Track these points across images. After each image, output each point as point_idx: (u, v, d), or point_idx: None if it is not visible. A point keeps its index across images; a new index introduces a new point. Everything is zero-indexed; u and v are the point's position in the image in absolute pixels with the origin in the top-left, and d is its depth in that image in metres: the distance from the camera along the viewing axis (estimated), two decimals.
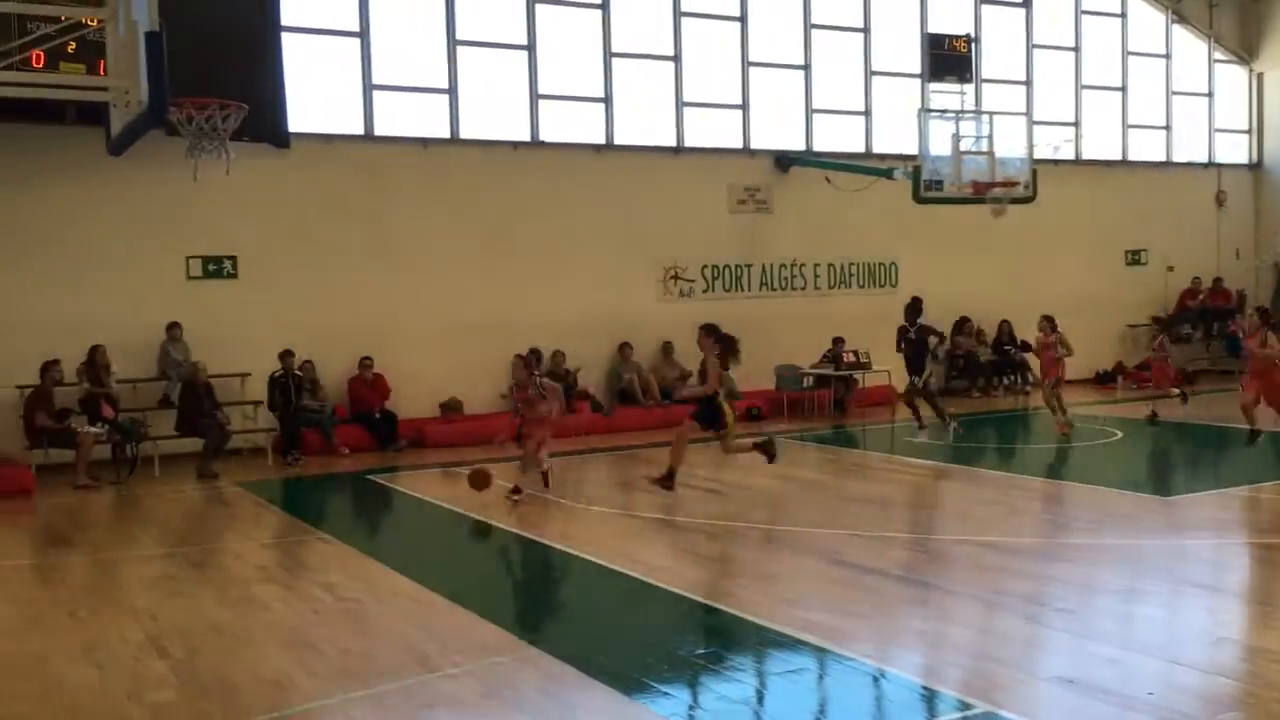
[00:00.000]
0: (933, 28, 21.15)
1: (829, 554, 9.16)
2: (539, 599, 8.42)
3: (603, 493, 12.61)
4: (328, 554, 9.72)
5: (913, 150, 18.96)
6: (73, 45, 10.94)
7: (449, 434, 16.26)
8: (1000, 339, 21.38)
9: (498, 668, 6.54)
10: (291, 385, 14.99)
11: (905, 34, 21.17)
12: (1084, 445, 14.91)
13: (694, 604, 7.85)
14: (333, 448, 15.40)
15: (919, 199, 18.64)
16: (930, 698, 6.07)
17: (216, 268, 15.88)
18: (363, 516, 12.79)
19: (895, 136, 20.59)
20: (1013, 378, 21.32)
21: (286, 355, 15.05)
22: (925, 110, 19.36)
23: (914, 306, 15.82)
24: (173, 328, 15.17)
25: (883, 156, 20.46)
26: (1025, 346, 20.65)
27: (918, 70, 21.10)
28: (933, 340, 15.73)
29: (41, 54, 10.51)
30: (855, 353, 19.15)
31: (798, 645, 6.84)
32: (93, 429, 13.66)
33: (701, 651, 6.79)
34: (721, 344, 11.83)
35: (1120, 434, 15.84)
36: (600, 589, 8.51)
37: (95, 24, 8.37)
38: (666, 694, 6.15)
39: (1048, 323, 16.16)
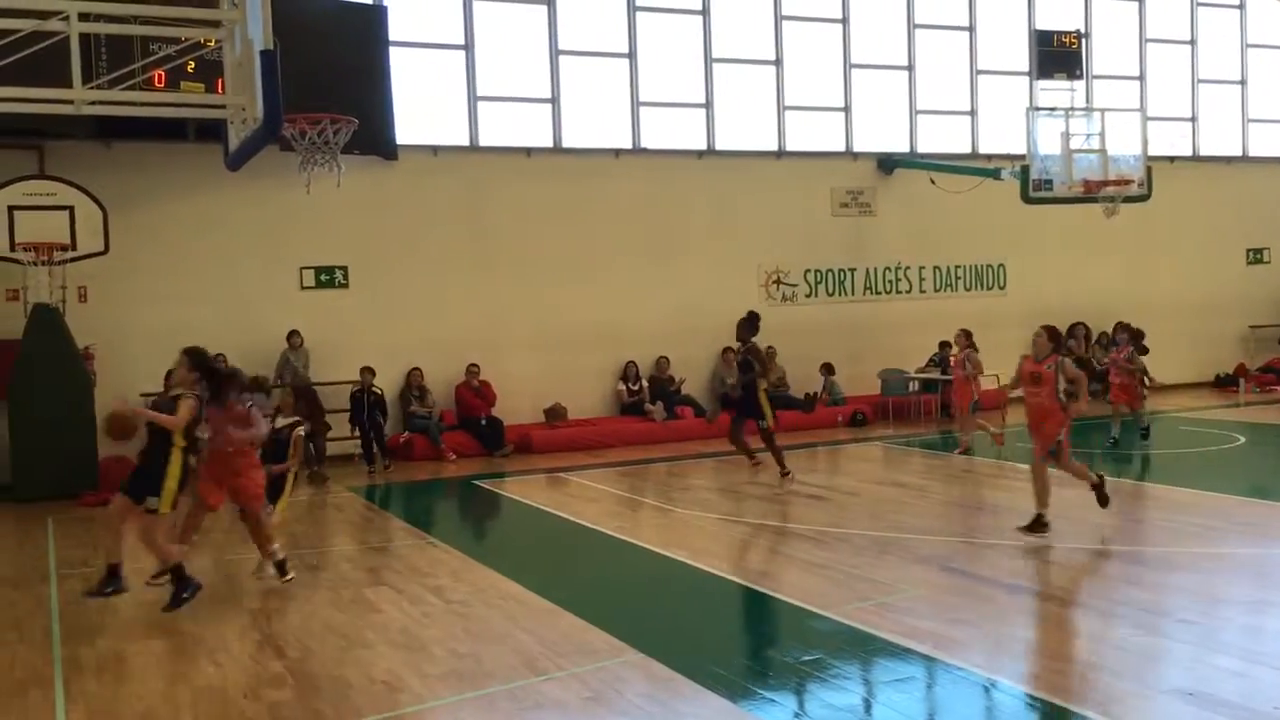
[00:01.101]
0: (1040, 24, 20.69)
1: (937, 561, 9.00)
2: (644, 604, 8.44)
3: (707, 498, 12.58)
4: (437, 558, 9.88)
5: (1021, 149, 18.58)
6: (192, 65, 11.38)
7: (554, 440, 16.42)
8: (1114, 341, 20.76)
9: (603, 672, 6.58)
10: (366, 401, 15.25)
11: (1012, 31, 20.75)
12: (1206, 451, 14.40)
13: (799, 610, 7.78)
14: (440, 453, 15.66)
15: (1028, 199, 18.25)
16: (1043, 710, 5.92)
17: (328, 277, 16.30)
18: (470, 521, 12.98)
19: (1002, 136, 20.21)
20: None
21: (366, 372, 15.35)
22: (1034, 108, 18.94)
23: (748, 323, 12.62)
24: (292, 335, 15.60)
25: (989, 156, 20.08)
26: (1142, 349, 20.00)
27: (1025, 68, 20.67)
28: (758, 368, 12.53)
29: (163, 74, 10.96)
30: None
31: (905, 653, 6.74)
32: None
33: (807, 658, 6.73)
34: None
35: (1243, 439, 15.25)
36: (705, 595, 8.49)
37: (213, 44, 8.66)
38: (773, 701, 6.12)
39: (964, 336, 15.33)
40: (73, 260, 13.60)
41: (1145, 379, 15.19)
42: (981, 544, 9.62)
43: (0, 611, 8.18)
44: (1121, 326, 15.50)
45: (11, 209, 13.16)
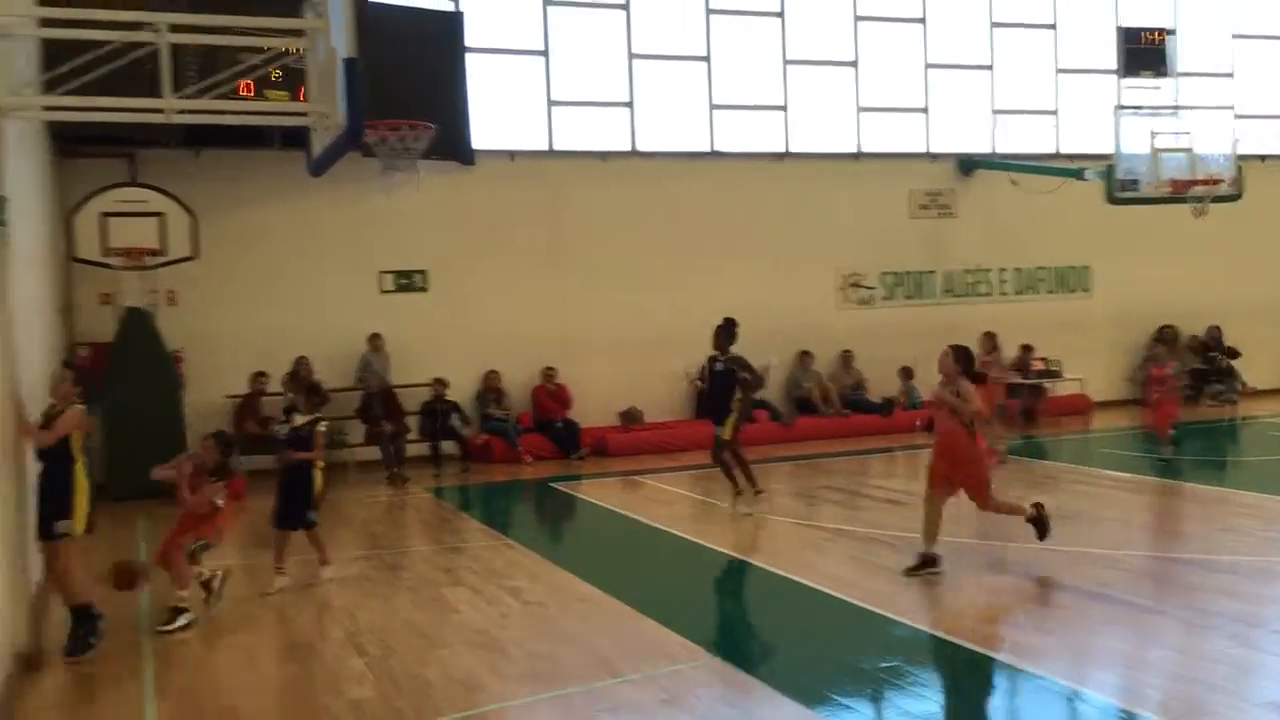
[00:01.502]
0: (1126, 21, 20.25)
1: (1019, 569, 8.85)
2: (720, 608, 8.42)
3: (783, 502, 12.51)
4: (513, 559, 9.96)
5: (1106, 149, 18.17)
6: (277, 73, 11.65)
7: (630, 443, 16.45)
8: (1206, 345, 20.25)
9: (679, 675, 6.58)
10: (439, 411, 15.38)
11: (1097, 29, 20.34)
12: None
13: (876, 616, 7.70)
14: (517, 455, 15.79)
15: (1113, 200, 17.85)
16: None
17: (408, 281, 16.53)
18: (547, 523, 13.06)
19: (1086, 135, 19.80)
20: (1221, 386, 20.11)
21: (438, 383, 15.49)
22: (1119, 107, 18.52)
23: (726, 331, 11.76)
24: (374, 338, 15.84)
25: (1072, 157, 19.69)
26: (1233, 353, 19.52)
27: (1111, 66, 20.24)
28: (750, 378, 11.71)
29: (249, 83, 11.22)
30: (1045, 360, 18.48)
31: (986, 661, 6.63)
32: None
33: (885, 664, 6.66)
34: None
35: None
36: (781, 599, 8.45)
37: (297, 52, 8.83)
38: (849, 708, 6.06)
39: (988, 339, 14.38)
40: (163, 265, 13.94)
41: (1238, 385, 14.34)
42: (1064, 551, 9.42)
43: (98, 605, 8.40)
44: (1162, 338, 14.30)
45: (105, 216, 13.55)
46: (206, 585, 8.32)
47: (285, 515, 9.05)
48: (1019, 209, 19.14)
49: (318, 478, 9.14)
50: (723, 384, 11.56)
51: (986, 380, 13.87)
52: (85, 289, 14.65)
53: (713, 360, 11.67)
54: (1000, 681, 6.44)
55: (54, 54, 9.35)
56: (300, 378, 10.90)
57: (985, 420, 8.80)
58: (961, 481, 8.81)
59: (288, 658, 7.25)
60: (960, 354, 8.78)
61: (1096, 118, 19.16)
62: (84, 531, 7.41)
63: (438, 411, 15.47)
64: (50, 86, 8.32)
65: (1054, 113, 20.25)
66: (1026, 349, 18.55)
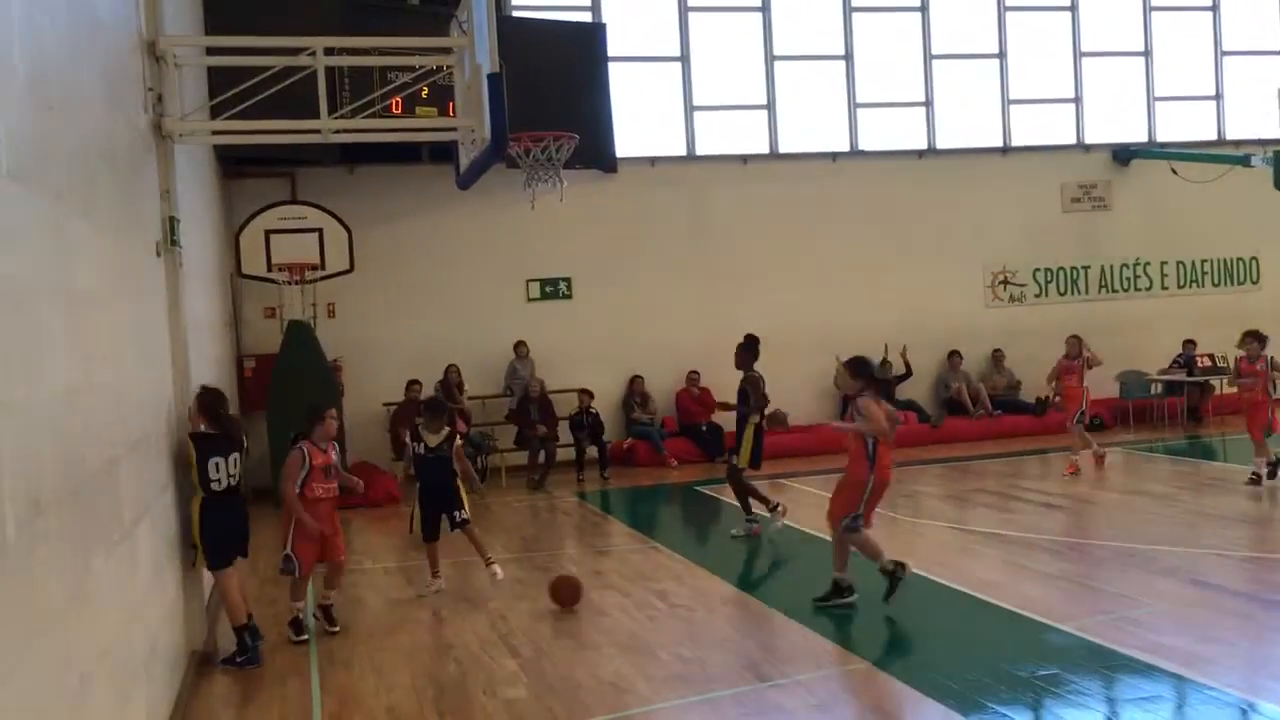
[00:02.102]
0: None
1: (1186, 574, 8.48)
2: (869, 613, 8.30)
3: (934, 505, 12.27)
4: (660, 562, 10.03)
5: (1273, 134, 17.28)
6: (426, 90, 12.01)
7: (774, 446, 16.27)
8: None
9: (829, 680, 6.53)
10: (586, 421, 15.50)
11: (1261, 7, 19.35)
12: None
13: (1032, 623, 7.48)
14: (662, 459, 15.87)
15: None
16: None
17: (553, 289, 16.82)
18: (692, 526, 13.10)
19: (1251, 120, 18.86)
20: None
21: (583, 395, 15.62)
22: None
23: (748, 348, 11.32)
24: (519, 346, 16.18)
25: (1237, 143, 18.78)
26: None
27: (1277, 46, 19.22)
28: (754, 399, 11.06)
29: (400, 100, 11.60)
30: (1211, 356, 17.66)
31: (1150, 671, 6.38)
32: None
33: (1042, 673, 6.47)
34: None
35: None
36: (932, 605, 8.28)
37: (445, 70, 9.10)
38: (1005, 716, 5.91)
39: (1076, 342, 13.74)
40: (322, 279, 14.49)
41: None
42: (1236, 557, 8.99)
43: (263, 608, 8.82)
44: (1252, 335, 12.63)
45: (268, 233, 14.16)
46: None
47: (432, 528, 9.19)
48: (1180, 199, 18.35)
49: (460, 489, 9.22)
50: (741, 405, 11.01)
51: (1074, 385, 13.57)
52: (251, 303, 15.39)
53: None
54: (1166, 692, 6.18)
55: (218, 80, 9.86)
56: (429, 398, 10.82)
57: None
58: (834, 494, 8.28)
59: (445, 658, 7.46)
60: (856, 367, 8.08)
61: (1262, 101, 18.22)
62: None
63: (584, 423, 15.63)
64: (216, 112, 8.76)
65: (1216, 97, 19.35)
66: (1189, 344, 17.77)
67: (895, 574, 7.90)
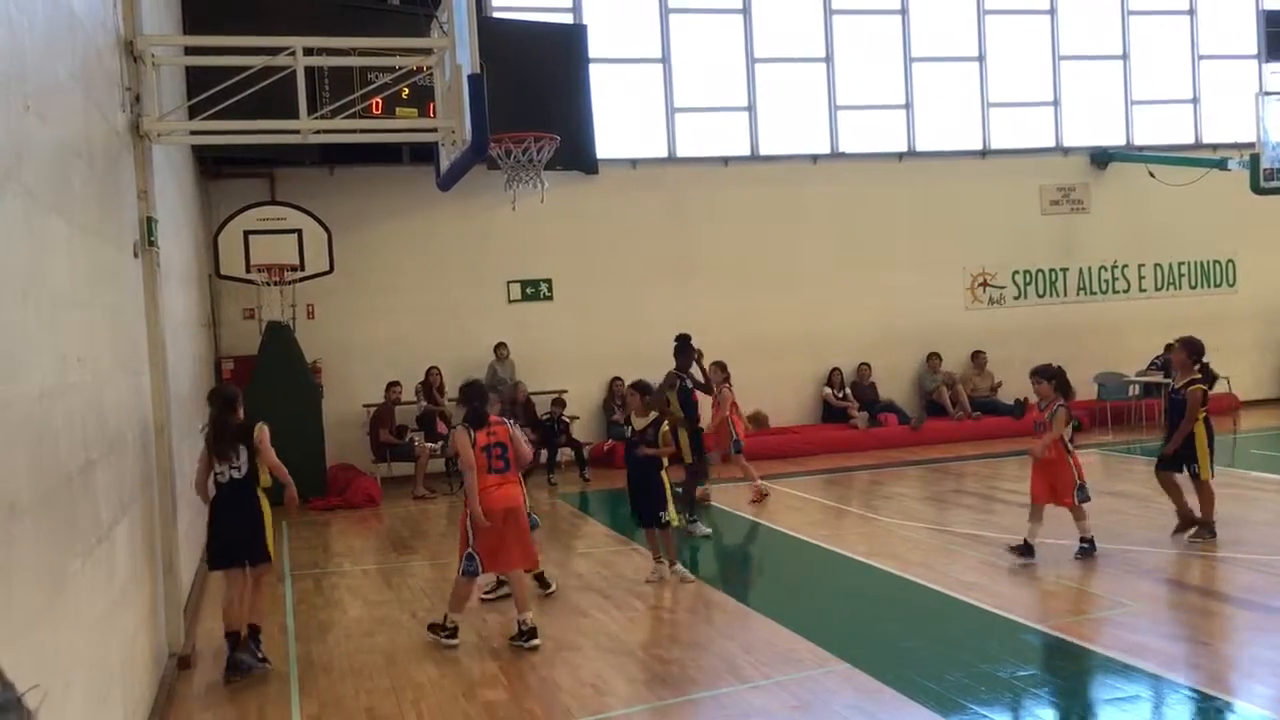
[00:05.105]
0: (1269, 4, 19.40)
1: (1162, 575, 8.55)
2: (849, 614, 8.33)
3: (912, 506, 12.31)
4: (639, 564, 10.00)
5: (1249, 138, 17.43)
6: (406, 91, 11.97)
7: (756, 447, 16.35)
8: None
9: (809, 682, 6.54)
10: (556, 427, 15.37)
11: (1237, 13, 19.53)
12: None
13: (1011, 623, 7.53)
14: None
15: (1258, 189, 17.10)
16: None
17: (534, 290, 16.80)
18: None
19: (1228, 124, 19.02)
20: None
21: (556, 404, 15.52)
22: (1263, 93, 17.74)
23: (682, 348, 11.71)
24: (499, 347, 16.14)
25: (1214, 146, 18.95)
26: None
27: (1253, 51, 19.41)
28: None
29: (380, 101, 11.56)
30: None
31: (1128, 671, 6.42)
32: (429, 444, 14.75)
33: (1021, 673, 6.51)
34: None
35: None
36: (911, 605, 8.32)
37: (425, 71, 9.07)
38: (985, 716, 5.94)
39: (719, 369, 12.83)
40: (302, 280, 14.43)
41: None
42: (1211, 557, 9.06)
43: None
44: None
45: (247, 234, 14.10)
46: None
47: (643, 514, 9.25)
48: (1158, 202, 18.49)
49: (666, 478, 9.13)
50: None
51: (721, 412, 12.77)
52: (230, 304, 15.30)
53: (676, 378, 11.34)
54: (1143, 692, 6.22)
55: (197, 80, 9.80)
56: (638, 382, 9.54)
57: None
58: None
59: (425, 660, 7.44)
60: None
61: (1238, 105, 18.40)
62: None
63: (555, 429, 15.45)
64: (194, 111, 8.71)
65: (1193, 101, 19.51)
66: (1170, 348, 17.87)
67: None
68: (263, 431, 7.41)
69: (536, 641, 7.48)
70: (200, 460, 7.46)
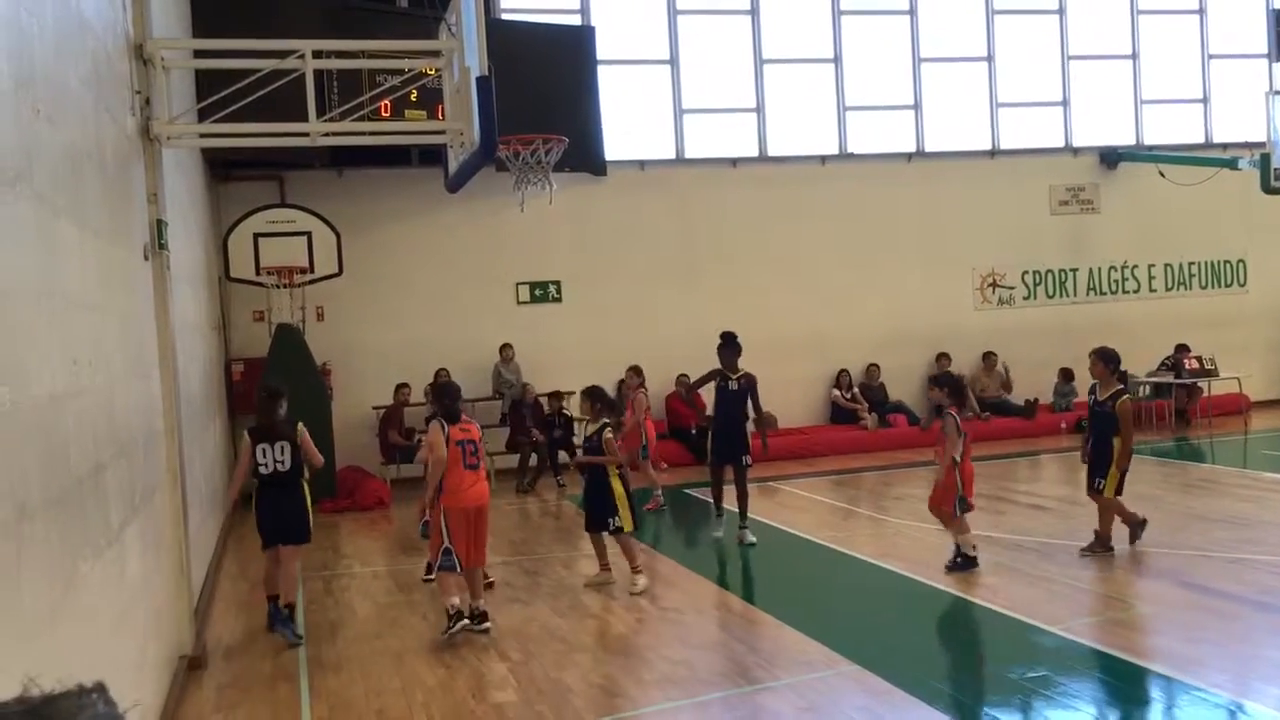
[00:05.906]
0: (1279, 3, 19.32)
1: (1175, 575, 8.51)
2: (859, 615, 8.31)
3: (922, 508, 12.26)
4: (649, 565, 10.00)
5: (1260, 137, 17.37)
6: (415, 94, 11.98)
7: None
8: None
9: (818, 683, 6.52)
10: (558, 422, 15.40)
11: (1248, 11, 19.47)
12: None
13: (1022, 624, 7.50)
14: (651, 463, 15.82)
15: (1269, 189, 17.05)
16: None
17: (543, 292, 16.81)
18: (681, 530, 13.08)
19: (1238, 123, 18.96)
20: None
21: (554, 397, 15.47)
22: (1274, 92, 17.68)
23: (729, 345, 11.39)
24: (505, 349, 16.15)
25: (1225, 145, 18.89)
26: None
27: (1263, 50, 19.33)
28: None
29: (389, 104, 11.58)
30: (1200, 359, 17.74)
31: (1141, 673, 6.40)
32: None
33: (1032, 675, 6.48)
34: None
35: None
36: (922, 606, 8.30)
37: (434, 73, 9.08)
38: (995, 718, 5.92)
39: (634, 374, 13.23)
40: (311, 282, 14.46)
41: None
42: (1225, 558, 9.02)
43: (252, 611, 8.79)
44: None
45: (256, 236, 14.13)
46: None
47: (591, 519, 9.32)
48: (1168, 202, 18.44)
49: (616, 484, 9.09)
50: (740, 402, 11.02)
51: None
52: (240, 307, 15.33)
53: (722, 377, 11.13)
54: (1155, 694, 6.20)
55: (206, 83, 9.83)
56: (590, 388, 9.96)
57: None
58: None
59: (434, 661, 7.44)
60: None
61: (1249, 104, 18.33)
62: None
63: (555, 423, 15.47)
64: (204, 115, 8.73)
65: (1203, 100, 19.45)
66: (1182, 349, 17.84)
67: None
68: (304, 430, 8.30)
69: (488, 625, 7.85)
70: (244, 452, 8.24)
